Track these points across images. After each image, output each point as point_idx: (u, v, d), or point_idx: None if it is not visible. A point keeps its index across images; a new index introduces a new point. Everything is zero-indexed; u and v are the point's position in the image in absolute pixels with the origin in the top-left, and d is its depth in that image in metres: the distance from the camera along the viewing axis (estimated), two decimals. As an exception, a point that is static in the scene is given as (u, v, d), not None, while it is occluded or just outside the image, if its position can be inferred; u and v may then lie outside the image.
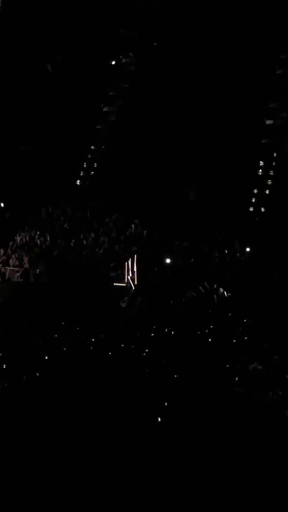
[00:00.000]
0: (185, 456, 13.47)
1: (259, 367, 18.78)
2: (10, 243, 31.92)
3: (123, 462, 13.27)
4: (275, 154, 35.78)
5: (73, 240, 31.22)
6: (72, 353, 20.90)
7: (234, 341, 21.93)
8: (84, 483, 12.54)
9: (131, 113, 39.56)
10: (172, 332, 22.99)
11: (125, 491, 12.33)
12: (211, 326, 23.48)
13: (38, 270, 29.27)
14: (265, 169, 35.55)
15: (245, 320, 24.09)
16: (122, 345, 21.63)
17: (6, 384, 17.90)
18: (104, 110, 40.46)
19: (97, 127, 39.71)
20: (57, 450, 13.76)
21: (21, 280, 29.26)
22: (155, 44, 41.08)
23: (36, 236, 32.12)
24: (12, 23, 42.95)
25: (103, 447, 13.88)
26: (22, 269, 29.65)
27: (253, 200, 34.25)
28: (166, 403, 16.51)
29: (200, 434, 14.62)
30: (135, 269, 27.88)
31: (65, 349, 21.03)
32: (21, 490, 12.32)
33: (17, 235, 33.08)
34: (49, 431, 14.59)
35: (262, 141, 36.50)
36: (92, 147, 38.83)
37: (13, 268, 29.84)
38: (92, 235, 31.45)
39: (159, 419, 15.37)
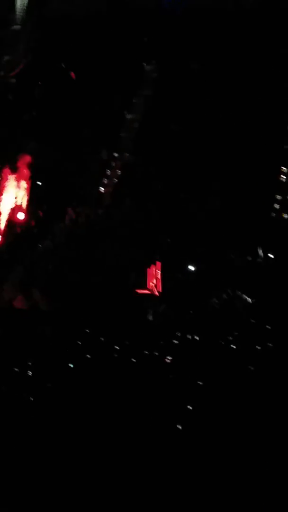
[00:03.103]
0: (207, 462, 13.55)
1: (283, 373, 18.79)
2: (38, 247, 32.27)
3: (149, 464, 13.37)
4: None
5: (96, 248, 31.38)
6: (96, 360, 21.02)
7: (258, 348, 21.93)
8: (111, 485, 12.65)
9: (155, 120, 39.66)
10: (196, 339, 23.03)
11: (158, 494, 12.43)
12: (235, 333, 23.50)
13: (62, 276, 29.45)
14: (288, 175, 35.53)
15: (268, 327, 24.07)
16: (146, 352, 21.71)
17: (32, 391, 18.07)
18: (127, 117, 40.56)
19: (121, 134, 39.82)
20: (82, 452, 13.88)
21: (45, 288, 29.46)
22: (178, 51, 41.19)
23: (60, 243, 32.33)
24: (39, 28, 43.35)
25: (126, 451, 13.99)
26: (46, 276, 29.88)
27: (276, 206, 34.20)
28: (189, 409, 16.57)
29: (223, 439, 14.67)
30: (158, 276, 27.93)
31: (89, 356, 21.16)
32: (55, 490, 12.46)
33: (42, 241, 33.37)
34: (74, 434, 14.72)
35: (285, 146, 36.48)
36: (116, 154, 38.92)
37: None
38: (116, 242, 31.58)
39: (181, 426, 15.45)
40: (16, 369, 20.40)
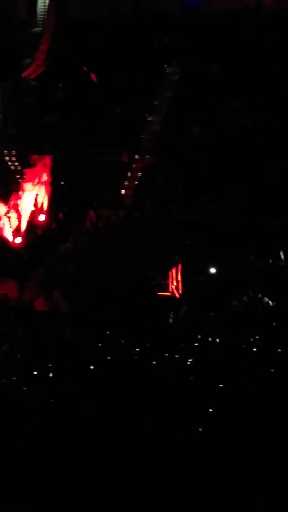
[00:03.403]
0: (226, 465, 13.52)
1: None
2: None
3: (168, 466, 13.36)
4: None
5: (117, 250, 31.46)
6: (117, 362, 21.03)
7: (279, 351, 21.83)
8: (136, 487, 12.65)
9: (175, 122, 39.69)
10: (217, 341, 22.97)
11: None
12: (256, 336, 23.41)
13: (83, 278, 29.53)
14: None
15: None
16: (166, 354, 21.69)
17: (52, 392, 18.12)
18: (148, 119, 40.61)
19: (142, 136, 39.87)
20: (101, 453, 13.91)
21: (66, 289, 29.54)
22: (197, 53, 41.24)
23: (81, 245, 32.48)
24: (60, 31, 43.60)
25: (145, 453, 13.99)
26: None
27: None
28: (210, 412, 16.54)
29: (244, 442, 14.63)
30: (179, 278, 27.92)
31: (109, 358, 21.17)
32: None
33: (63, 243, 33.50)
34: (94, 435, 14.74)
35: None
36: (137, 156, 38.98)
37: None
38: (136, 244, 31.63)
39: (201, 429, 15.42)
40: (36, 370, 20.46)
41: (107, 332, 23.87)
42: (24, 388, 18.83)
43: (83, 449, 14.33)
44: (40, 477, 13.32)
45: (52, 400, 17.70)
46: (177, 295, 27.61)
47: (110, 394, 18.31)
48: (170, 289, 27.83)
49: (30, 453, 14.26)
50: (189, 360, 21.04)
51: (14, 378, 20.08)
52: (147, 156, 38.97)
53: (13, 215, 33.49)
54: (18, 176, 38.39)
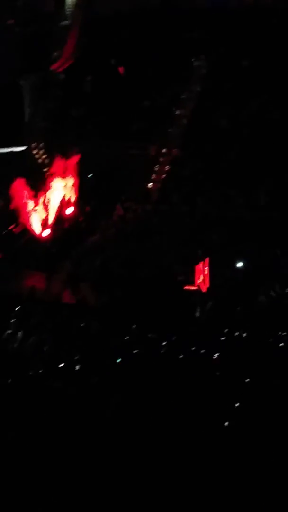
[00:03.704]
0: (257, 460, 13.45)
1: None
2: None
3: (196, 461, 13.32)
4: None
5: (144, 243, 31.48)
6: (143, 355, 21.03)
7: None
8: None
9: (203, 116, 39.57)
10: (243, 336, 22.92)
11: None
12: (284, 331, 23.32)
13: (109, 272, 29.59)
14: None
15: None
16: (193, 349, 21.67)
17: (78, 385, 18.16)
18: (176, 113, 40.53)
19: (169, 130, 39.80)
20: (136, 448, 13.90)
21: (93, 283, 29.61)
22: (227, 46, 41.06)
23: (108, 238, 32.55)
24: (89, 24, 43.57)
25: (174, 447, 13.96)
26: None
27: None
28: (237, 407, 16.49)
29: (272, 438, 14.56)
30: (206, 272, 27.87)
31: (136, 351, 21.18)
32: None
33: (90, 236, 33.60)
34: (119, 429, 14.74)
35: None
36: (164, 150, 38.93)
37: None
38: (163, 238, 31.62)
39: (228, 423, 15.37)
40: (63, 363, 20.53)
41: (134, 326, 23.91)
42: (51, 381, 18.89)
43: (110, 443, 14.34)
44: (67, 471, 13.35)
45: (77, 393, 17.73)
46: (203, 289, 27.56)
47: (137, 387, 18.31)
48: (197, 283, 27.78)
49: (57, 446, 14.30)
50: (216, 354, 21.00)
51: (40, 371, 20.17)
52: (175, 150, 38.92)
53: (41, 208, 33.64)
54: (46, 169, 38.54)
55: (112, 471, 13.03)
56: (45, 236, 33.39)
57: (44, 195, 34.07)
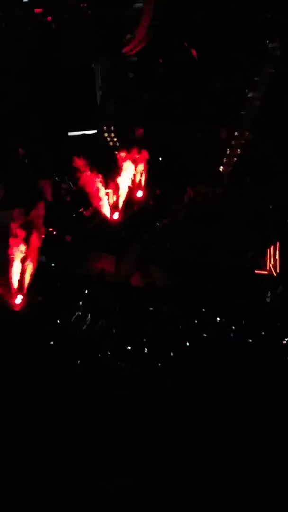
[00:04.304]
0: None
1: None
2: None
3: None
4: None
5: (215, 227, 31.22)
6: (212, 339, 20.90)
7: None
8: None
9: (276, 99, 38.94)
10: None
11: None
12: None
13: (179, 255, 29.47)
14: None
15: None
16: (263, 333, 21.44)
17: (144, 367, 18.15)
18: (249, 95, 39.99)
19: (242, 113, 39.31)
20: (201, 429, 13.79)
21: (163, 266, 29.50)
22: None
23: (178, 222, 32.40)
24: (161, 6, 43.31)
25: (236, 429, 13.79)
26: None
27: None
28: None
29: None
30: (277, 257, 27.47)
31: (205, 335, 21.08)
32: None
33: (160, 219, 33.51)
34: (189, 411, 14.65)
35: None
36: (236, 133, 38.47)
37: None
38: (235, 222, 31.31)
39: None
40: (130, 346, 20.56)
41: (203, 309, 23.73)
42: (119, 363, 18.97)
43: (177, 422, 14.31)
44: (134, 448, 13.41)
45: (144, 372, 17.77)
46: (274, 274, 27.18)
47: (205, 371, 18.22)
48: (268, 268, 27.41)
49: (123, 425, 14.35)
50: (286, 339, 20.76)
51: (109, 353, 20.24)
52: (247, 133, 38.42)
53: (111, 191, 33.67)
54: (116, 152, 38.53)
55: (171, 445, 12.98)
56: (115, 219, 33.42)
57: (115, 178, 34.09)
